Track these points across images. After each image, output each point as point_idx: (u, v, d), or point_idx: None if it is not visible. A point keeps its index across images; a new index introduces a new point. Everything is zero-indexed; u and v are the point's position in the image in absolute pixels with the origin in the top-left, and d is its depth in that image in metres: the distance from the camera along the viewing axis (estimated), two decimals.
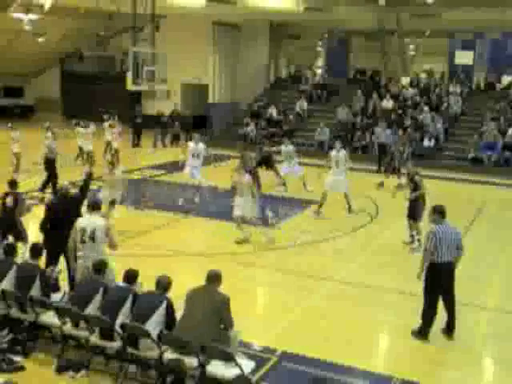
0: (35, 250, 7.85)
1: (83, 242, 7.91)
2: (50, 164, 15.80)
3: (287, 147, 16.84)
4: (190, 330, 6.38)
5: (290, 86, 29.44)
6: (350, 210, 14.65)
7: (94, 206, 8.17)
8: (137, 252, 11.24)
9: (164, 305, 6.61)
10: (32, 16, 23.95)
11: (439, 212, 8.14)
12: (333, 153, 14.58)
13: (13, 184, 10.42)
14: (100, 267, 7.34)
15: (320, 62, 32.22)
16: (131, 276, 7.04)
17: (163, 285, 6.75)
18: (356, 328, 8.55)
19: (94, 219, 8.04)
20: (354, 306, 9.39)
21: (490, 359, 8.19)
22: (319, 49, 32.07)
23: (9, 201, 9.95)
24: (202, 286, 6.74)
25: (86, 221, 8.07)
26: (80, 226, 7.99)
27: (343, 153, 14.48)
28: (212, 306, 6.50)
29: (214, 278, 6.71)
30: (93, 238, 7.88)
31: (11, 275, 7.58)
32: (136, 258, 10.10)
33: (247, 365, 6.50)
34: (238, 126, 26.56)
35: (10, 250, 7.94)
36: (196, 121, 27.78)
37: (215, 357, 6.32)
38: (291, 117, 26.05)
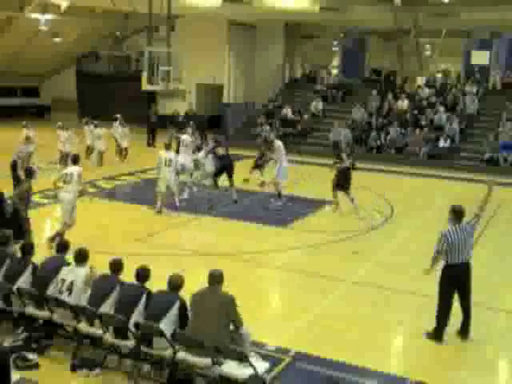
0: (60, 247, 8.06)
1: (60, 292, 7.35)
2: (14, 167, 14.91)
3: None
4: (200, 333, 6.36)
5: (305, 85, 29.39)
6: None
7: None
8: (150, 251, 11.31)
9: (177, 304, 6.60)
10: (48, 16, 24.16)
11: (454, 212, 8.11)
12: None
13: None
14: (116, 267, 7.29)
15: (335, 61, 32.12)
16: (142, 274, 6.99)
17: (175, 284, 6.73)
18: (369, 329, 8.52)
19: (77, 271, 7.45)
20: (368, 306, 9.35)
21: (505, 362, 8.12)
22: (334, 49, 31.95)
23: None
24: (205, 288, 6.65)
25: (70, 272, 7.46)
26: (60, 276, 7.45)
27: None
28: (220, 307, 6.44)
29: (218, 279, 6.61)
30: (70, 290, 7.30)
31: (28, 273, 7.65)
32: (149, 258, 10.11)
33: (261, 365, 6.48)
34: (252, 125, 26.55)
35: (28, 250, 7.98)
36: (211, 120, 27.85)
37: (229, 357, 6.31)
38: (306, 117, 26.00)
